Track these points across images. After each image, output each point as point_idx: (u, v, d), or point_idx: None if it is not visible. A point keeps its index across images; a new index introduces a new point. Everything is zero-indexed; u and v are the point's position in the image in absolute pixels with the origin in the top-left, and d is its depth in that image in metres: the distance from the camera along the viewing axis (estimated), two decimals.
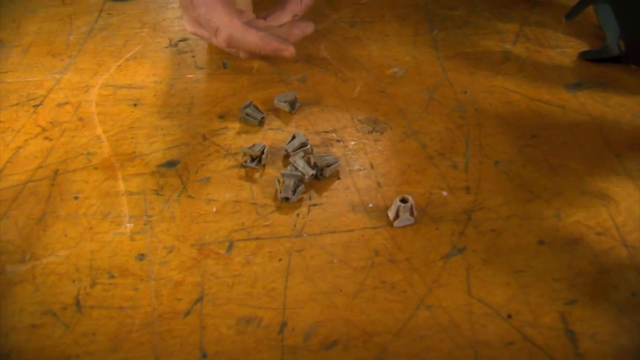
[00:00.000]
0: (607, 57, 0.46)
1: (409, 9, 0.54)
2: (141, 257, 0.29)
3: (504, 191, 0.34)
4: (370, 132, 0.38)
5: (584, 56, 0.47)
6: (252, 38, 0.40)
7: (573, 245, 0.30)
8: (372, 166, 0.36)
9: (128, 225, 0.31)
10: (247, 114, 0.39)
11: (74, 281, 0.28)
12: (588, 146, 0.37)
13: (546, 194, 0.33)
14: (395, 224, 0.31)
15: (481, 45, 0.49)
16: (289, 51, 0.40)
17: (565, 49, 0.48)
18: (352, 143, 0.38)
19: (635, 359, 0.25)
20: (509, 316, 0.26)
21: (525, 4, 0.55)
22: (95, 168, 0.35)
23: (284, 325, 0.26)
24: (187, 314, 0.26)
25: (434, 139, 0.38)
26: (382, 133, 0.38)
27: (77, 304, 0.27)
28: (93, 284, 0.28)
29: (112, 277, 0.28)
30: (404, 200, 0.31)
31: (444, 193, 0.33)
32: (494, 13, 0.54)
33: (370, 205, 0.33)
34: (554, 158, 0.36)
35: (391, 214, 0.31)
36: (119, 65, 0.46)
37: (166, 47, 0.48)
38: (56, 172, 0.35)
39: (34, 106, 0.41)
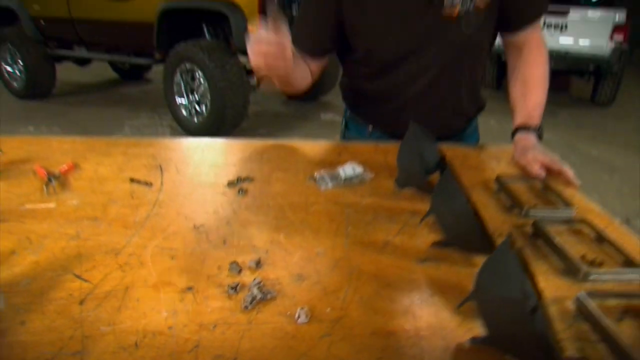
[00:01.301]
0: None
1: (324, 216, 0.91)
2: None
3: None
4: (296, 281, 0.70)
5: (435, 246, 0.81)
6: None
7: None
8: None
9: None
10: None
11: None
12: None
13: None
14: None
15: (375, 235, 0.83)
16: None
17: (426, 239, 0.83)
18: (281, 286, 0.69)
19: None
20: None
21: (403, 214, 0.92)
22: (148, 286, 0.66)
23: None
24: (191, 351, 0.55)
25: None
26: (303, 281, 0.70)
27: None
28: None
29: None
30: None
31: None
32: (387, 218, 0.90)
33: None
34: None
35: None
36: (165, 237, 0.80)
37: (192, 229, 0.83)
38: (127, 288, 0.66)
39: (115, 254, 0.74)
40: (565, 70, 6.51)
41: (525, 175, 1.10)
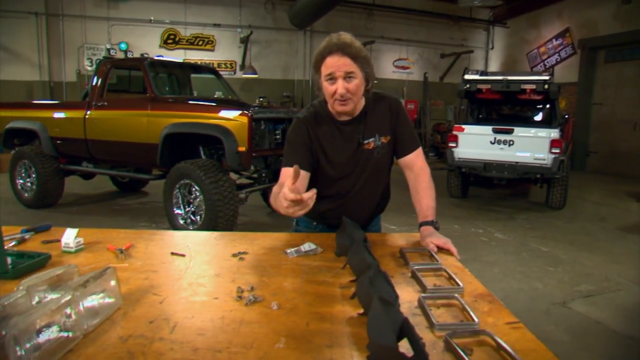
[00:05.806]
0: None
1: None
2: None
3: None
4: (273, 295, 1.30)
5: (351, 281, 1.42)
6: None
7: None
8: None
9: None
10: None
11: None
12: None
13: None
14: None
15: (318, 277, 1.44)
16: None
17: (347, 278, 1.43)
18: None
19: None
20: None
21: (335, 268, 1.53)
22: (195, 297, 1.25)
23: None
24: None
25: None
26: (276, 295, 1.30)
27: None
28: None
29: None
30: None
31: None
32: (326, 269, 1.51)
33: None
34: None
35: None
36: (199, 278, 1.40)
37: (214, 275, 1.43)
38: (185, 298, 1.25)
39: (172, 286, 1.33)
40: (520, 179, 7.39)
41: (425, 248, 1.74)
